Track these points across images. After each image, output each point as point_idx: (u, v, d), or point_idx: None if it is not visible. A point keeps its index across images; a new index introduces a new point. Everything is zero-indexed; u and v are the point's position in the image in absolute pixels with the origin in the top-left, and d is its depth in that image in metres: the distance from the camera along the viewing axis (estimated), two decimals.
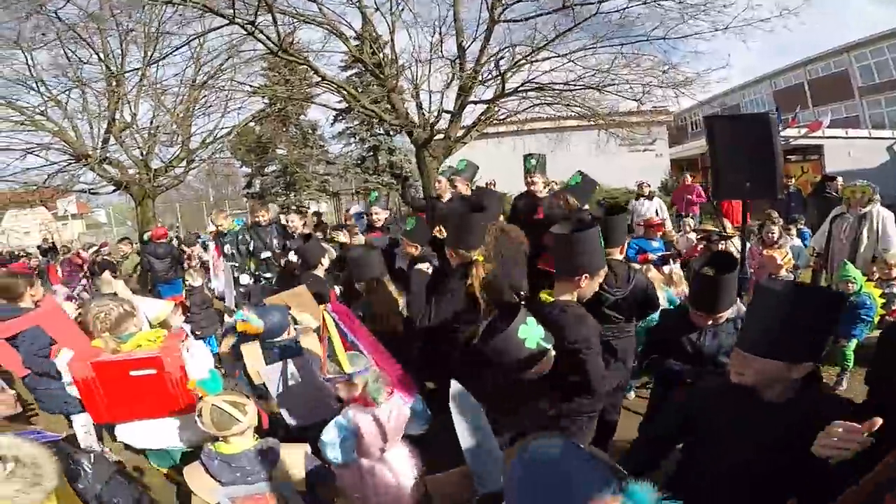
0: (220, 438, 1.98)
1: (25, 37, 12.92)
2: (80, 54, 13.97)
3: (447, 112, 9.48)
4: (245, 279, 5.49)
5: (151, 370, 2.16)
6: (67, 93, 14.31)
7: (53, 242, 14.32)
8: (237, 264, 5.53)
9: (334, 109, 16.01)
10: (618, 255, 2.68)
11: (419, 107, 9.79)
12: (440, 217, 3.88)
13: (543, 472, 0.91)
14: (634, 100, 8.90)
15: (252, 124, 17.63)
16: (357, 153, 21.55)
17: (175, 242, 8.85)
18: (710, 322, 2.30)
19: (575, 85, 8.78)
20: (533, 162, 4.18)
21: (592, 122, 10.16)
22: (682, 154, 20.25)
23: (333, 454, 2.23)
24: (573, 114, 10.02)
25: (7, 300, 3.29)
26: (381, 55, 9.88)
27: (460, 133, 9.47)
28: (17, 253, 13.30)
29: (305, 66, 10.85)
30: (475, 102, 9.27)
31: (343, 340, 2.33)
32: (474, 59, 8.93)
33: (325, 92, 12.06)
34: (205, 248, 7.37)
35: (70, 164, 14.26)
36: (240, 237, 5.64)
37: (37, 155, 14.15)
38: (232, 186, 31.28)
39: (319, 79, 9.91)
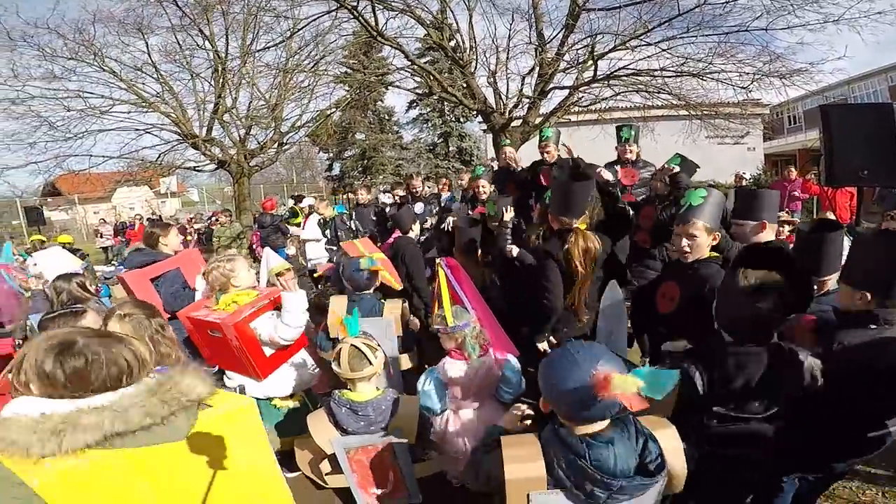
0: (349, 386, 2.08)
1: (145, 24, 14.49)
2: (188, 42, 15.50)
3: (527, 97, 9.46)
4: (326, 248, 5.83)
5: (218, 333, 2.35)
6: (178, 77, 15.96)
7: (160, 216, 15.97)
8: (335, 248, 5.92)
9: (415, 93, 16.43)
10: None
11: (496, 92, 9.85)
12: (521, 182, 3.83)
13: (565, 352, 1.24)
14: (742, 87, 8.40)
15: (331, 110, 18.63)
16: (429, 139, 22.06)
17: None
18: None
19: (673, 73, 8.44)
20: (632, 132, 4.03)
21: (685, 112, 9.67)
22: (779, 149, 18.69)
23: (430, 403, 2.37)
24: (660, 103, 9.61)
25: (149, 246, 3.82)
26: (458, 41, 10.03)
27: (538, 120, 9.41)
28: (131, 223, 14.94)
29: (380, 55, 11.36)
30: (560, 88, 9.15)
31: (453, 294, 2.49)
32: (556, 47, 8.86)
33: (401, 78, 12.51)
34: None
35: (179, 143, 15.92)
36: (340, 220, 6.01)
37: (153, 134, 15.89)
38: (310, 171, 33.08)
39: (396, 66, 10.26)
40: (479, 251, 3.65)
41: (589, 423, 1.24)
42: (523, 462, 1.28)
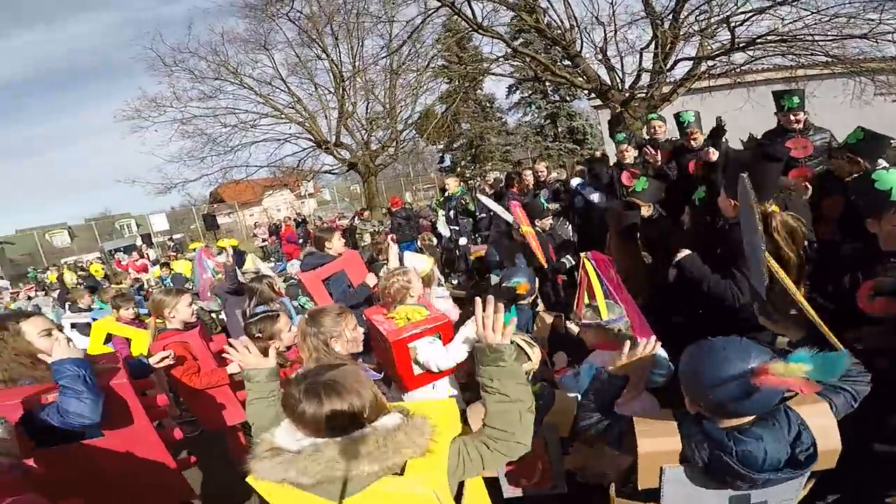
0: None
1: (267, 41, 16.28)
2: (306, 54, 17.20)
3: (647, 71, 8.89)
4: (463, 241, 6.18)
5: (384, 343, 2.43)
6: (303, 88, 17.80)
7: (304, 217, 18.12)
8: (457, 228, 6.30)
9: (515, 78, 16.30)
10: None
11: (610, 69, 9.39)
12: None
13: (712, 348, 1.25)
14: None
15: (436, 105, 19.29)
16: (535, 121, 21.68)
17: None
18: None
19: (834, 37, 7.30)
20: (796, 100, 3.51)
21: (842, 69, 8.24)
22: None
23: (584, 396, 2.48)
24: (809, 62, 8.30)
25: (317, 249, 4.45)
26: (553, 20, 9.71)
27: (666, 90, 8.77)
28: (281, 223, 17.13)
29: (472, 43, 11.36)
30: (688, 59, 8.43)
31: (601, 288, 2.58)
32: (674, 16, 8.16)
33: (499, 65, 12.43)
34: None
35: (313, 149, 17.92)
36: (455, 202, 6.37)
37: (292, 143, 18.06)
38: (421, 164, 34.57)
39: (496, 55, 10.23)
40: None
41: (739, 417, 1.24)
42: (656, 437, 1.27)
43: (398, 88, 17.65)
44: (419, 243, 7.13)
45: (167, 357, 2.67)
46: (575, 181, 4.69)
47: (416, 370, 2.53)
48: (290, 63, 17.30)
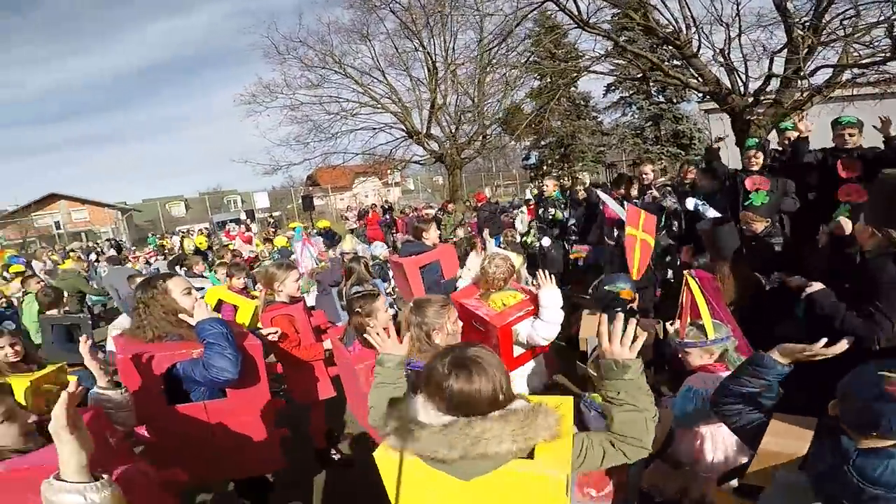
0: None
1: (369, 32, 16.95)
2: (404, 45, 17.70)
3: (776, 76, 8.04)
4: (546, 241, 6.07)
5: (480, 326, 2.52)
6: (399, 80, 18.42)
7: (391, 204, 18.84)
8: (544, 226, 6.21)
9: (621, 78, 15.55)
10: None
11: (731, 71, 8.61)
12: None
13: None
14: None
15: (524, 102, 18.92)
16: (635, 123, 20.54)
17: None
18: None
19: None
20: None
21: None
22: None
23: (689, 420, 2.28)
24: None
25: (415, 238, 4.64)
26: (666, 18, 9.06)
27: (802, 95, 7.90)
28: (369, 209, 17.91)
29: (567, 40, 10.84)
30: (840, 67, 7.47)
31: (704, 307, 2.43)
32: (811, 19, 7.27)
33: (596, 63, 11.87)
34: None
35: (405, 140, 18.58)
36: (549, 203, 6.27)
37: (385, 132, 18.82)
38: (503, 159, 34.32)
39: (598, 53, 9.78)
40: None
41: (879, 438, 1.17)
42: (785, 437, 1.24)
43: (487, 84, 17.67)
44: (502, 240, 7.14)
45: (274, 333, 2.85)
46: (690, 203, 4.39)
47: (517, 351, 2.62)
48: (388, 54, 17.96)
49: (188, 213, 34.64)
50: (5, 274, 9.88)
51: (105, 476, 1.08)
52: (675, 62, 10.07)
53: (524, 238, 6.79)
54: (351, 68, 17.93)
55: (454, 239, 7.68)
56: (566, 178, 17.79)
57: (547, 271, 2.66)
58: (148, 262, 12.09)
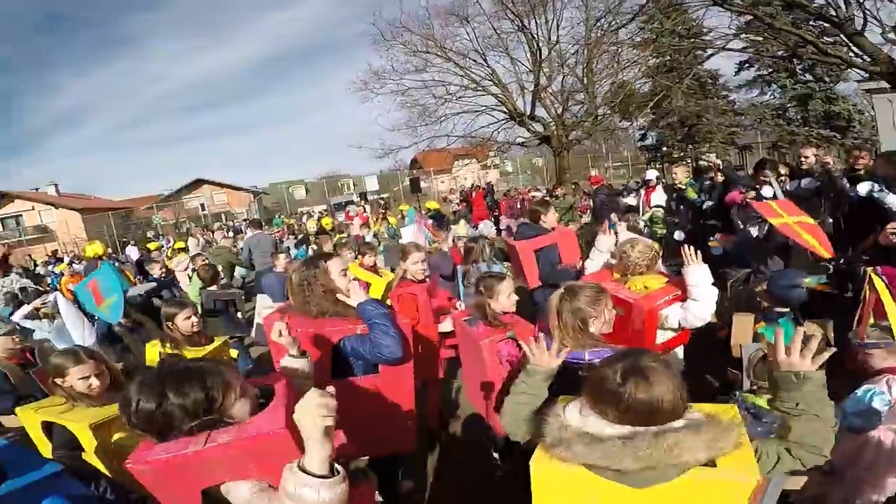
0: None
1: (468, 13, 16.73)
2: (504, 27, 17.23)
3: None
4: (679, 235, 5.65)
5: (620, 311, 2.29)
6: (499, 61, 18.06)
7: (491, 186, 18.85)
8: (676, 220, 5.77)
9: (759, 55, 13.70)
10: None
11: None
12: None
13: None
14: None
15: (639, 81, 17.43)
16: (775, 103, 18.03)
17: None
18: None
19: None
20: None
21: None
22: None
23: (863, 421, 2.12)
24: None
25: (532, 221, 4.58)
26: None
27: None
28: (472, 191, 18.08)
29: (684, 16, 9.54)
30: None
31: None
32: None
33: (724, 41, 10.45)
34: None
35: (507, 122, 18.34)
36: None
37: (487, 114, 18.72)
38: (613, 140, 32.34)
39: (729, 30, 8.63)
40: None
41: None
42: None
43: (596, 62, 16.62)
44: (625, 225, 6.78)
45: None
46: (864, 188, 3.77)
47: (660, 337, 2.55)
48: (486, 36, 17.70)
49: (308, 195, 37.92)
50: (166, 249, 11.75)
51: (342, 470, 1.08)
52: (827, 38, 8.62)
53: (654, 225, 6.33)
54: (451, 52, 17.96)
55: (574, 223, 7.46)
56: (691, 161, 16.25)
57: (692, 248, 2.51)
58: (281, 241, 13.33)
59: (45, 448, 2.14)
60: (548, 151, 20.58)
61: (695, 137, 19.18)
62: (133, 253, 13.13)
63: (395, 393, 2.17)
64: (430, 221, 8.52)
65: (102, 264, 4.64)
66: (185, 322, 2.97)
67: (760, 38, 10.15)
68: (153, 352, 2.95)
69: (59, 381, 2.09)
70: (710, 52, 14.00)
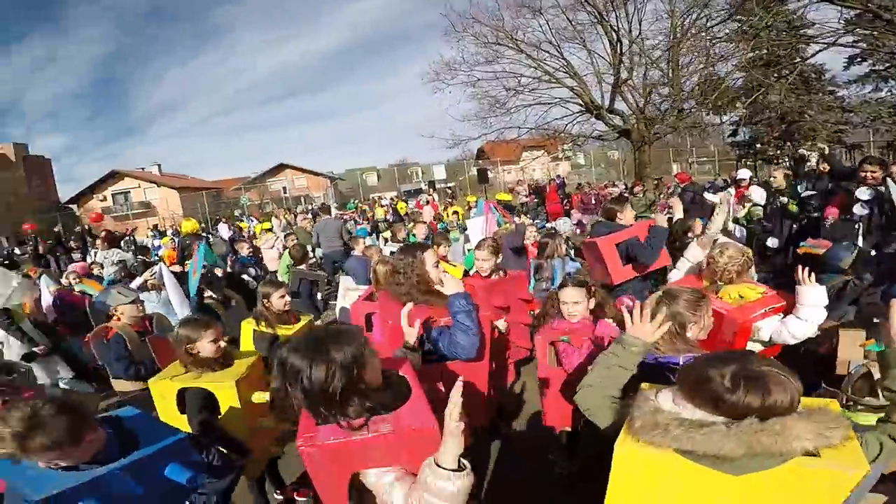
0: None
1: (540, 5, 16.08)
2: (580, 19, 16.51)
3: None
4: (773, 242, 5.31)
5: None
6: (574, 53, 17.35)
7: (563, 179, 18.39)
8: (770, 225, 5.40)
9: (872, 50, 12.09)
10: None
11: None
12: None
13: None
14: None
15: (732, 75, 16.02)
16: (894, 100, 15.95)
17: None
18: None
19: None
20: None
21: None
22: None
23: None
24: None
25: (607, 219, 4.45)
26: None
27: None
28: (545, 184, 17.73)
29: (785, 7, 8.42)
30: None
31: None
32: None
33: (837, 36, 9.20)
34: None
35: (583, 114, 17.70)
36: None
37: (561, 106, 18.16)
38: (698, 134, 30.18)
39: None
40: None
41: None
42: None
43: (683, 54, 15.51)
44: None
45: None
46: None
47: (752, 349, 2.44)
48: (561, 28, 17.09)
49: (379, 182, 39.23)
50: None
51: (468, 465, 1.20)
52: None
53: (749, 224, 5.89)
54: (523, 43, 17.51)
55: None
56: (789, 159, 14.76)
57: (806, 268, 2.33)
58: (355, 221, 13.85)
59: (168, 416, 2.32)
60: (625, 145, 19.63)
61: (794, 135, 17.36)
62: (224, 230, 14.31)
63: (472, 373, 2.23)
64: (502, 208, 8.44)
65: (199, 245, 5.01)
66: (279, 300, 3.15)
67: (875, 33, 8.96)
68: (248, 329, 3.11)
69: (190, 346, 2.30)
70: (817, 48, 12.61)
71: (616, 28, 16.04)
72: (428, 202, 14.20)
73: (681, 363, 1.62)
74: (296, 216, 15.50)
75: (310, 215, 13.60)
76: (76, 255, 10.16)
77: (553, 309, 2.64)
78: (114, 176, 34.45)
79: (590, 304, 2.56)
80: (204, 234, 10.66)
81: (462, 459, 1.19)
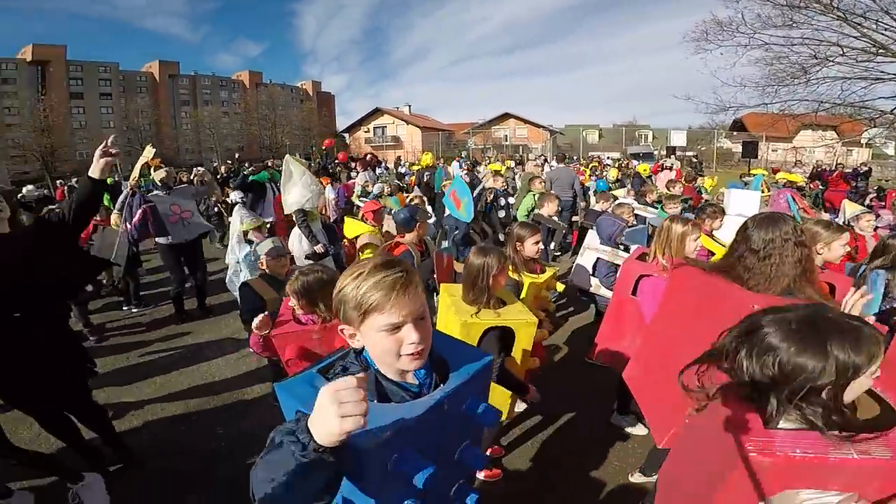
0: None
1: None
2: None
3: None
4: None
5: None
6: None
7: (869, 169, 14.19)
8: None
9: None
10: None
11: None
12: None
13: None
14: None
15: None
16: None
17: None
18: None
19: None
20: None
21: None
22: None
23: None
24: None
25: None
26: None
27: None
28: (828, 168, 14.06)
29: None
30: None
31: None
32: None
33: None
34: None
35: None
36: None
37: (888, 82, 13.57)
38: None
39: None
40: None
41: None
42: None
43: None
44: None
45: None
46: None
47: None
48: None
49: (600, 140, 37.22)
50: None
51: None
52: None
53: None
54: (837, 10, 13.18)
55: None
56: None
57: None
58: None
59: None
60: None
61: None
62: (457, 168, 15.46)
63: None
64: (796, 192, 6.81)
65: (456, 179, 5.42)
66: (532, 246, 2.92)
67: None
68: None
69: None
70: None
71: None
72: (672, 166, 12.61)
73: None
74: (521, 163, 15.67)
75: (540, 160, 13.60)
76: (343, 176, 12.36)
77: None
78: (374, 112, 41.46)
79: None
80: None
81: None
